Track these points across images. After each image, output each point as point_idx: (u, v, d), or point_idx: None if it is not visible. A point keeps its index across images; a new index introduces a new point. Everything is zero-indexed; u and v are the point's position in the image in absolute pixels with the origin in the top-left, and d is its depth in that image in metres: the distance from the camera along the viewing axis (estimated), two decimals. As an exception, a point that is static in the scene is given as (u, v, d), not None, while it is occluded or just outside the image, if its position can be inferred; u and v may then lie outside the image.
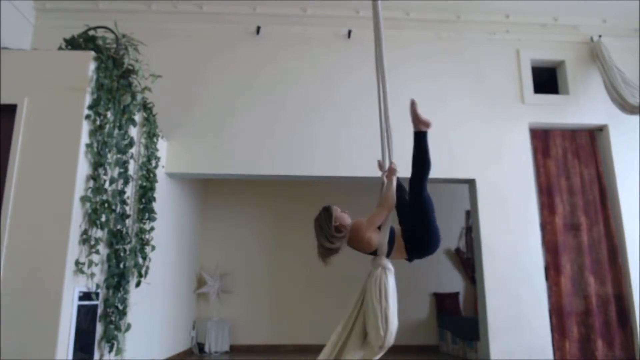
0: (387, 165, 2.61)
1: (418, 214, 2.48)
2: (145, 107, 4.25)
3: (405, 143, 2.74)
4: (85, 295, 3.22)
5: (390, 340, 2.30)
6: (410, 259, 2.57)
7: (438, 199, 8.90)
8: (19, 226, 3.09)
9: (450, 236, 7.51)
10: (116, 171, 3.59)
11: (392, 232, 2.51)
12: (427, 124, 2.58)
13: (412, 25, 5.34)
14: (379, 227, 2.49)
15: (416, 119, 2.57)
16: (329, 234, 2.44)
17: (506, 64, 5.36)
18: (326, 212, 2.51)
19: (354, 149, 5.03)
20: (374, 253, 2.49)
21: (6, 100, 3.29)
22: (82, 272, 3.14)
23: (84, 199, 3.21)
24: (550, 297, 4.82)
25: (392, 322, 2.30)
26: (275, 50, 5.30)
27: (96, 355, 3.35)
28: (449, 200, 7.44)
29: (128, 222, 3.79)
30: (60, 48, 3.55)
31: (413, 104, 2.56)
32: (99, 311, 3.41)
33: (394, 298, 2.37)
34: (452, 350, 6.51)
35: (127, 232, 3.74)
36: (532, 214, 4.97)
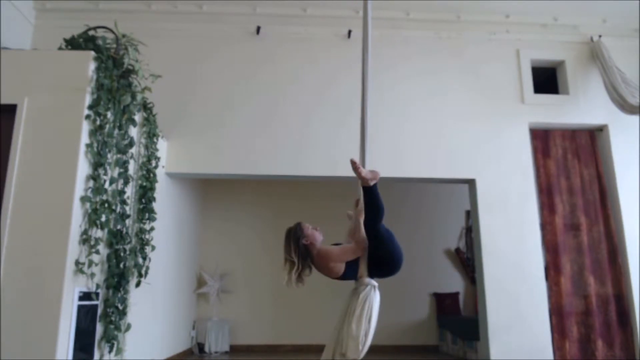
0: (366, 167, 2.56)
1: (378, 245, 2.51)
2: (145, 107, 4.24)
3: (400, 142, 2.74)
4: (85, 295, 3.23)
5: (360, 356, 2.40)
6: (370, 276, 2.56)
7: (438, 199, 8.87)
8: (19, 226, 3.09)
9: (450, 236, 7.51)
10: (116, 171, 3.59)
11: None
12: (374, 178, 2.45)
13: (412, 25, 5.33)
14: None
15: (361, 178, 2.44)
16: (294, 250, 2.48)
17: (506, 64, 5.35)
18: (298, 227, 2.55)
19: (353, 148, 5.01)
20: (340, 278, 2.54)
21: (6, 100, 3.30)
22: (82, 272, 3.14)
23: (84, 199, 3.21)
24: (550, 297, 4.81)
25: (369, 341, 2.41)
26: (275, 50, 5.29)
27: (96, 355, 3.35)
28: (449, 200, 7.45)
29: (128, 222, 3.79)
30: (60, 48, 3.55)
31: (354, 165, 2.42)
32: (99, 311, 3.41)
33: (376, 318, 2.45)
34: (452, 351, 6.50)
35: (127, 232, 3.74)
36: (532, 214, 4.96)
